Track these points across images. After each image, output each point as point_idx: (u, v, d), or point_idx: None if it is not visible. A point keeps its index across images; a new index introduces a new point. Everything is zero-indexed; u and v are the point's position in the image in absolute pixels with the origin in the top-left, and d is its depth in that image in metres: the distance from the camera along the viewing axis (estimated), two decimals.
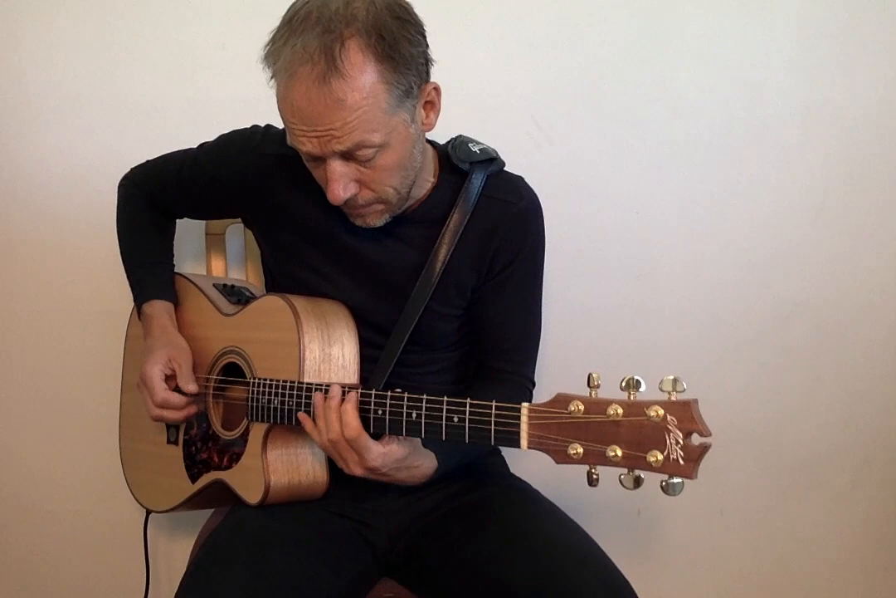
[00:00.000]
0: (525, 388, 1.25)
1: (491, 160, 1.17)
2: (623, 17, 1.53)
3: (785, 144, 1.58)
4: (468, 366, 1.29)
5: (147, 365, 1.19)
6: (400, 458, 1.02)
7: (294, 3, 0.99)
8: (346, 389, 1.02)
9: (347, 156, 1.00)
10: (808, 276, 1.62)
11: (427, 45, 1.02)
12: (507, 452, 1.32)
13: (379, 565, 1.16)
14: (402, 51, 0.97)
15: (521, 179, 1.22)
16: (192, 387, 1.19)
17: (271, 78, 0.99)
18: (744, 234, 1.60)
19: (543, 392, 1.26)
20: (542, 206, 1.22)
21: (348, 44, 0.94)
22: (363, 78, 0.95)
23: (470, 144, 1.17)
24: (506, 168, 1.21)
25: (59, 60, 1.51)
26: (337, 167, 1.01)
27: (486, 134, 1.24)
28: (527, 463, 1.36)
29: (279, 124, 1.20)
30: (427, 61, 1.02)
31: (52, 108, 1.53)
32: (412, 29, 0.99)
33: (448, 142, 1.18)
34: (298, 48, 0.94)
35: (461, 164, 1.15)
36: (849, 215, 1.60)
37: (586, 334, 1.62)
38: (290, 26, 0.96)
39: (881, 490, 1.70)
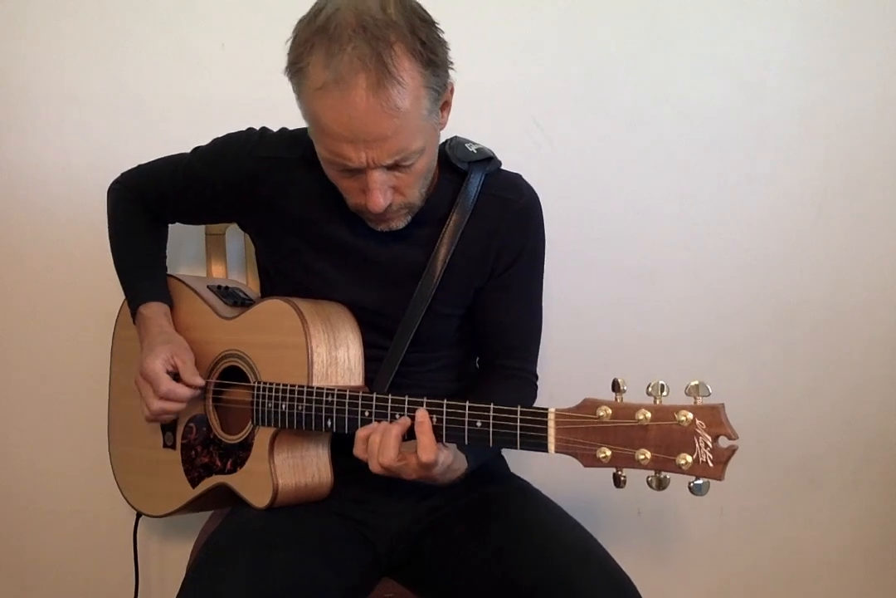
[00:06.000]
0: (532, 383, 1.26)
1: (488, 159, 1.18)
2: (623, 16, 1.53)
3: (785, 144, 1.58)
4: (467, 364, 1.29)
5: (147, 360, 1.16)
6: (450, 463, 1.03)
7: (319, 11, 0.95)
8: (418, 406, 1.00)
9: (391, 165, 1.00)
10: (808, 276, 1.62)
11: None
12: (507, 451, 1.32)
13: (380, 565, 1.15)
14: (440, 54, 0.97)
15: (519, 176, 1.21)
16: (197, 380, 1.16)
17: (318, 89, 0.94)
18: (744, 234, 1.60)
19: (542, 390, 1.27)
20: (542, 205, 1.22)
21: (396, 49, 0.93)
22: (413, 83, 0.95)
23: (466, 145, 1.18)
24: (504, 167, 1.21)
25: (59, 60, 1.50)
26: (378, 176, 1.00)
27: (487, 134, 1.24)
28: (527, 464, 1.36)
29: (275, 126, 1.20)
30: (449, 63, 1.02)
31: (51, 107, 1.52)
32: (438, 31, 0.99)
33: (444, 142, 1.18)
34: (349, 58, 0.91)
35: (460, 164, 1.15)
36: (849, 215, 1.60)
37: (586, 334, 1.62)
38: (328, 35, 0.92)
39: (881, 490, 1.70)
